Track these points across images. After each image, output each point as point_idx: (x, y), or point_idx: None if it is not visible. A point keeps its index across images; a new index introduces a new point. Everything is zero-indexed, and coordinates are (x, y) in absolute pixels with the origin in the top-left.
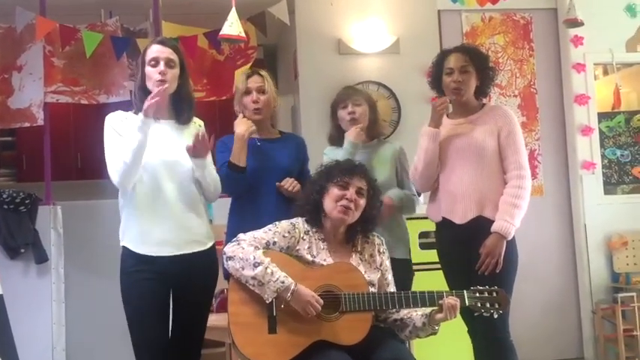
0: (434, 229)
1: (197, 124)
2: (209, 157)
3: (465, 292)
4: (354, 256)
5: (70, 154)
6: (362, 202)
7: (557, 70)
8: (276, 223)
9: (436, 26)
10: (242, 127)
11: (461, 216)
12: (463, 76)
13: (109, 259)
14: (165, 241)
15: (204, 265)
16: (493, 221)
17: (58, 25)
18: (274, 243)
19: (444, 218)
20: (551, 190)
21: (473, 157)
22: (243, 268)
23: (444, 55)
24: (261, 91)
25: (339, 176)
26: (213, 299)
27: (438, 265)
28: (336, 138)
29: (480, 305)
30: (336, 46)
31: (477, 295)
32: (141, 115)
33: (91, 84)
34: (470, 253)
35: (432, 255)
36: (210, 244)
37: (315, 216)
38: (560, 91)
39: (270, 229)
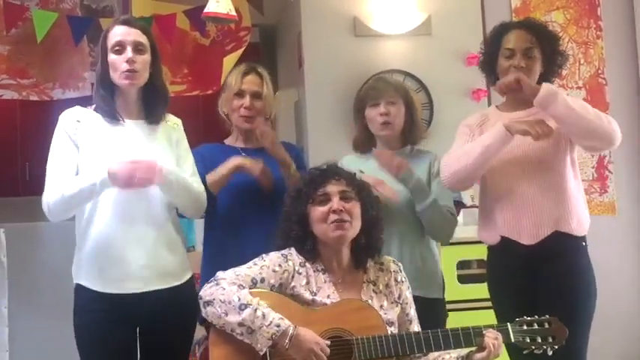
0: (476, 258)
1: (172, 124)
2: (171, 176)
3: (509, 325)
4: (365, 287)
5: (15, 163)
6: (354, 207)
7: (633, 55)
8: (263, 255)
9: (478, 1)
10: (244, 160)
11: (531, 234)
12: (527, 60)
13: (65, 295)
14: (129, 275)
15: (179, 303)
16: (574, 237)
17: (1, 1)
18: (262, 280)
19: (503, 238)
20: (626, 208)
21: (544, 160)
22: (226, 314)
23: (502, 30)
24: (256, 96)
25: (312, 191)
26: (197, 347)
27: (483, 304)
28: (363, 144)
29: (529, 340)
30: (351, 26)
31: (525, 327)
32: (101, 175)
33: (43, 76)
34: (538, 282)
35: (475, 290)
36: (186, 277)
37: (307, 248)
38: (637, 81)
39: (255, 264)
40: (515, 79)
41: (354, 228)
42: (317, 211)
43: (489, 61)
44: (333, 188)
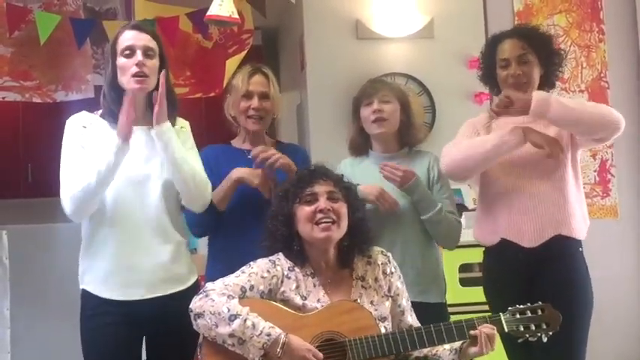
0: (478, 261)
1: (179, 127)
2: (171, 135)
3: (501, 315)
4: (354, 285)
5: (18, 165)
6: (341, 207)
7: (635, 58)
8: (251, 263)
9: (480, 4)
10: (243, 171)
11: (533, 237)
12: (523, 67)
13: (67, 297)
14: (135, 281)
15: (184, 307)
16: (574, 240)
17: (4, 3)
18: (251, 288)
19: (503, 240)
20: (628, 211)
21: (545, 163)
22: (216, 326)
23: (494, 41)
24: (264, 96)
25: (300, 191)
26: (199, 349)
27: (485, 307)
28: (359, 145)
29: (522, 329)
30: (353, 29)
31: (518, 316)
32: (115, 137)
33: (46, 78)
34: (535, 286)
35: (477, 293)
36: (191, 282)
37: (294, 251)
38: (639, 84)
39: (243, 272)
40: (504, 95)
41: (341, 229)
42: (303, 210)
43: (488, 73)
44: (320, 188)
